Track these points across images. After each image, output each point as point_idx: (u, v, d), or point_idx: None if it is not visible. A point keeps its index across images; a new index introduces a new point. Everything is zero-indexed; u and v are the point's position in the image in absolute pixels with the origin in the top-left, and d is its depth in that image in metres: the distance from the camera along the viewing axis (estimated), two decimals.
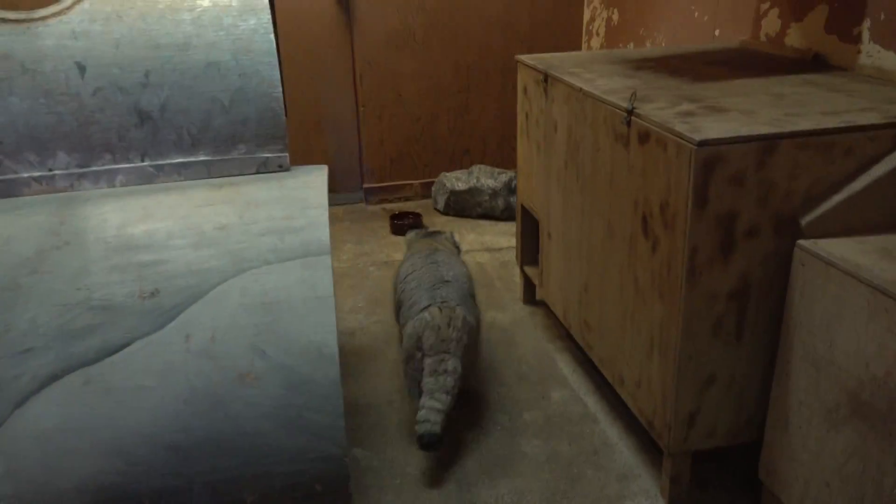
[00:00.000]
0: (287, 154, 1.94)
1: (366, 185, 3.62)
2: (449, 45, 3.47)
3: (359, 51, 3.38)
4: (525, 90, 2.35)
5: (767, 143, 1.45)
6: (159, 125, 1.86)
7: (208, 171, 1.88)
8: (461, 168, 3.66)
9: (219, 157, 1.88)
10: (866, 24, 2.01)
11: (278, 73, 1.92)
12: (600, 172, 1.85)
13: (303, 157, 3.51)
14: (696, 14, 2.77)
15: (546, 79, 2.14)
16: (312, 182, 1.85)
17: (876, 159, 1.52)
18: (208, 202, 1.73)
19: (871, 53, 2.00)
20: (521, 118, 2.43)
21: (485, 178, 3.42)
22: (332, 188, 3.61)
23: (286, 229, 1.65)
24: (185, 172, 1.88)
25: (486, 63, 3.54)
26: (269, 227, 1.64)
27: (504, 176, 3.41)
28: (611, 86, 1.90)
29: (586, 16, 3.60)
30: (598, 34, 3.52)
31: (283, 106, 1.94)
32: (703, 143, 1.42)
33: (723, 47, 2.43)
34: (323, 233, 1.65)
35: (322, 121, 3.47)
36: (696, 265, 1.50)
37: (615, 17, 3.35)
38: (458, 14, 3.42)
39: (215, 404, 1.36)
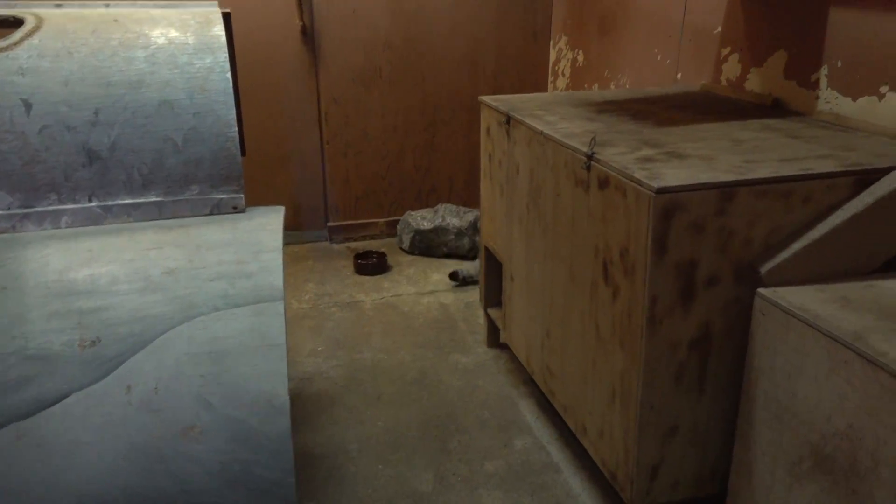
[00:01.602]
0: (242, 195, 1.89)
1: (330, 224, 3.58)
2: (415, 83, 3.47)
3: (324, 88, 3.36)
4: (488, 131, 2.33)
5: (726, 191, 1.44)
6: (108, 165, 1.80)
7: (159, 213, 1.82)
8: (427, 206, 3.64)
9: (170, 198, 1.83)
10: (824, 70, 2.04)
11: (234, 112, 1.88)
12: (562, 217, 1.83)
13: (267, 194, 3.48)
14: (659, 57, 2.79)
15: (508, 121, 2.13)
16: (268, 224, 1.80)
17: (834, 207, 1.51)
18: (157, 245, 1.67)
19: (829, 99, 2.02)
20: (484, 159, 2.41)
21: (450, 217, 3.39)
22: (297, 226, 3.56)
23: (238, 274, 1.59)
24: (135, 214, 1.82)
25: (452, 101, 3.54)
26: (220, 271, 1.59)
27: (470, 215, 3.38)
28: (572, 129, 1.89)
29: (552, 56, 3.62)
30: (563, 74, 3.54)
31: (238, 146, 1.90)
32: (662, 191, 1.40)
33: (684, 90, 2.44)
34: (276, 278, 1.60)
35: (287, 158, 3.43)
36: (657, 314, 1.47)
37: (580, 58, 3.37)
38: (424, 52, 3.42)
39: (157, 460, 1.30)
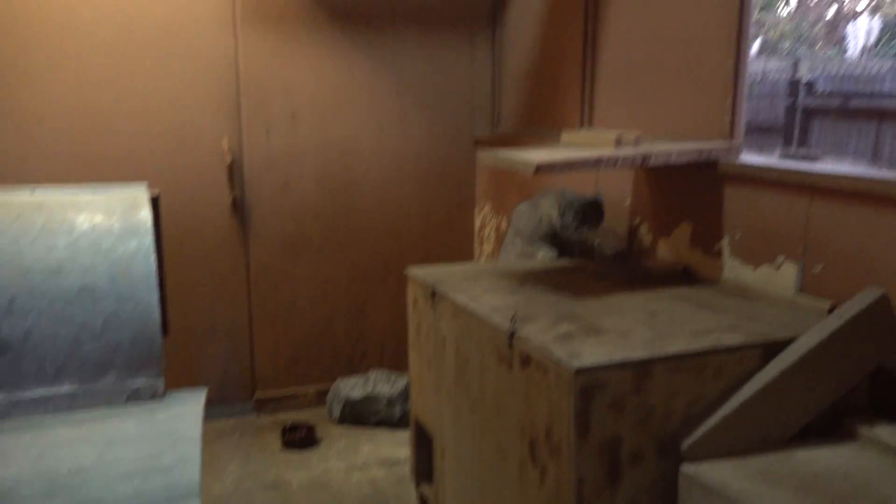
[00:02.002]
0: (162, 379, 1.84)
1: (257, 396, 3.48)
2: (345, 251, 3.53)
3: (254, 256, 3.39)
4: (415, 303, 2.37)
5: (643, 368, 1.48)
6: (20, 355, 1.74)
7: (71, 404, 1.75)
8: (359, 372, 3.60)
9: (85, 388, 1.77)
10: (725, 241, 2.18)
11: (157, 295, 1.87)
12: (488, 393, 1.84)
13: (191, 368, 3.38)
14: None
15: (434, 294, 2.17)
16: (187, 412, 1.74)
17: (745, 379, 1.57)
18: (67, 441, 1.59)
19: (733, 268, 2.15)
20: (412, 330, 2.43)
21: (382, 384, 3.35)
22: (222, 399, 3.45)
23: (152, 469, 1.52)
24: (46, 406, 1.74)
25: (381, 268, 3.60)
26: (133, 468, 1.51)
27: (401, 381, 3.35)
28: (495, 303, 1.94)
29: (477, 222, 3.77)
30: (489, 240, 3.68)
31: (160, 329, 1.87)
32: (581, 371, 1.43)
33: (602, 258, 2.56)
34: (193, 471, 1.53)
35: (214, 329, 3.38)
36: (585, 496, 1.46)
37: (504, 224, 3.52)
38: (353, 221, 3.51)
39: None
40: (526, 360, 1.62)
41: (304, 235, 3.45)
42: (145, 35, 3.06)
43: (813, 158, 2.07)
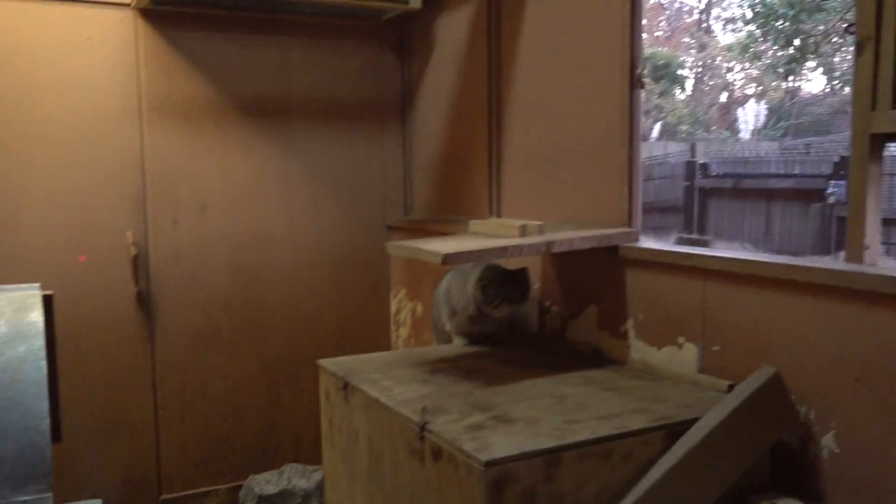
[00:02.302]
0: (51, 494, 1.72)
1: (164, 497, 3.29)
2: (257, 342, 3.45)
3: (160, 351, 3.26)
4: (327, 395, 2.32)
5: (552, 457, 1.49)
6: None
7: None
8: (273, 467, 3.46)
9: None
10: (630, 323, 2.25)
11: (47, 403, 1.77)
12: (402, 487, 1.80)
13: (91, 473, 3.18)
14: None
15: (345, 386, 2.14)
16: None
17: (652, 461, 1.60)
18: None
19: (638, 349, 2.21)
20: (324, 423, 2.37)
21: (297, 478, 3.24)
22: (125, 503, 3.25)
23: None
24: None
25: (295, 357, 3.52)
26: None
27: (318, 474, 3.24)
28: (407, 394, 1.92)
29: (393, 307, 3.77)
30: (405, 324, 3.67)
31: (49, 438, 1.76)
32: (490, 464, 1.43)
33: (521, 337, 2.58)
34: None
35: (116, 429, 3.20)
36: None
37: (419, 308, 3.53)
38: (265, 310, 3.45)
39: None
40: (437, 454, 1.60)
41: (214, 327, 3.35)
42: (44, 127, 3.00)
43: (705, 243, 2.18)
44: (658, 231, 5.46)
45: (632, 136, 2.27)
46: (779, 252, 4.72)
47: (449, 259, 1.91)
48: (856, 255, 1.74)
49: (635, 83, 2.25)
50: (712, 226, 5.02)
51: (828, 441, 1.70)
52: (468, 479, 1.47)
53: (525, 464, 1.46)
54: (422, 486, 1.69)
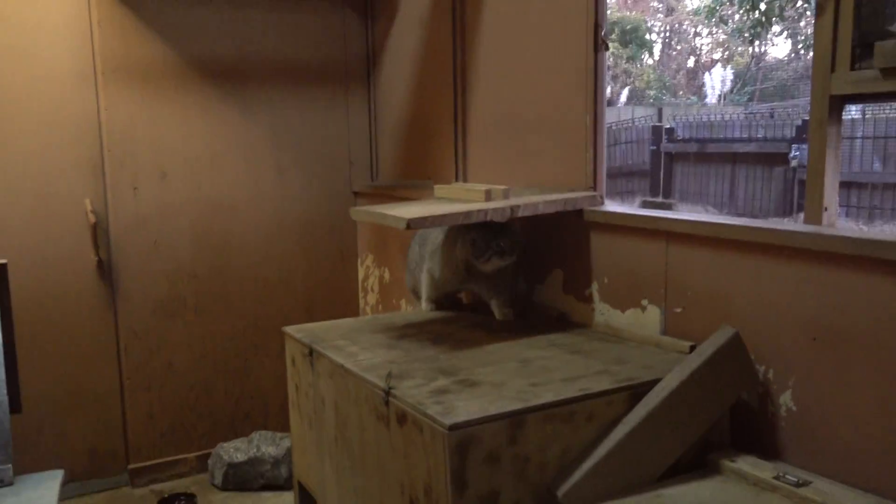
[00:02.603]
0: (10, 466, 1.70)
1: (132, 466, 3.27)
2: (224, 310, 3.42)
3: (123, 321, 3.22)
4: (293, 362, 2.31)
5: (516, 419, 1.50)
6: None
7: None
8: (242, 435, 3.45)
9: None
10: (595, 286, 2.26)
11: (2, 373, 1.74)
12: (368, 452, 1.80)
13: (55, 444, 3.14)
14: None
15: (311, 353, 2.13)
16: (38, 499, 1.61)
17: (615, 422, 1.62)
18: None
19: (603, 311, 2.23)
20: (291, 390, 2.37)
21: (266, 445, 3.24)
22: (93, 473, 3.22)
23: None
24: None
25: (264, 324, 3.50)
26: None
27: (287, 441, 3.25)
28: (373, 360, 1.92)
29: (361, 274, 3.75)
30: (373, 290, 3.66)
31: (7, 409, 1.73)
32: (454, 427, 1.43)
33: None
34: None
35: (80, 399, 3.16)
36: None
37: (387, 275, 3.52)
38: (231, 279, 3.41)
39: None
40: (402, 418, 1.61)
41: (179, 296, 3.31)
42: None
43: (668, 206, 2.19)
44: (626, 195, 5.50)
45: (596, 100, 2.26)
46: (743, 215, 4.79)
47: (413, 224, 1.89)
48: (815, 217, 1.76)
49: (599, 45, 2.24)
50: (678, 189, 5.07)
51: (785, 399, 1.74)
52: (433, 442, 1.48)
53: (489, 426, 1.47)
54: (388, 451, 1.69)
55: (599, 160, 2.31)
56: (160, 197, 3.22)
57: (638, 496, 1.56)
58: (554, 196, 2.20)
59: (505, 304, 2.37)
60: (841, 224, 1.75)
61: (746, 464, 1.66)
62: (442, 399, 1.57)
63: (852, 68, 1.69)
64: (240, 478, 3.21)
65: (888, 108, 4.04)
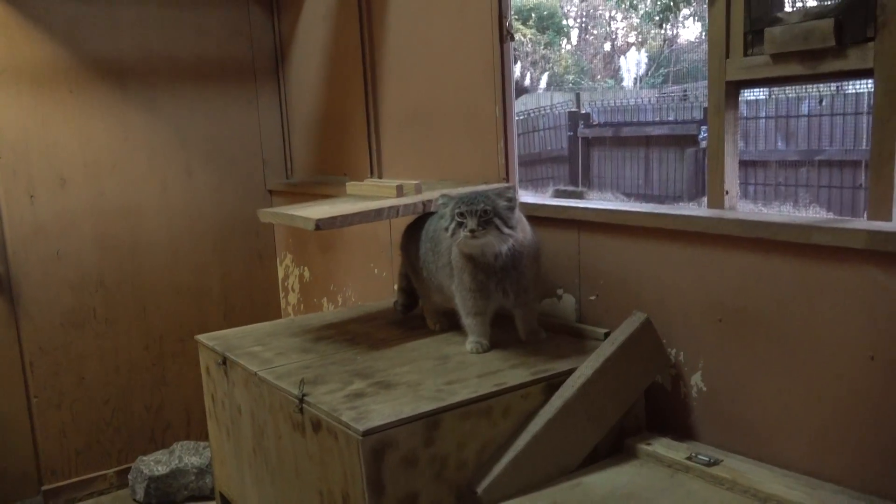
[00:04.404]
0: None
1: (46, 487, 3.12)
2: (137, 319, 3.28)
3: (27, 336, 3.05)
4: (208, 371, 2.24)
5: (431, 420, 1.48)
6: None
7: None
8: (163, 447, 3.34)
9: None
10: None
11: None
12: (286, 461, 1.76)
13: None
14: (376, 270, 2.94)
15: (225, 361, 2.06)
16: None
17: (532, 415, 1.62)
18: None
19: None
20: (207, 400, 2.29)
21: (188, 455, 3.14)
22: (3, 498, 3.06)
23: None
24: None
25: (180, 331, 3.38)
26: None
27: (210, 450, 3.15)
28: (288, 366, 1.87)
29: (281, 273, 3.67)
30: (293, 290, 3.59)
31: None
32: (368, 433, 1.41)
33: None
34: None
35: None
36: None
37: (307, 273, 3.46)
38: (143, 286, 3.28)
39: None
40: (317, 426, 1.57)
41: (87, 306, 3.17)
42: None
43: (580, 195, 2.21)
44: (546, 181, 5.57)
45: (504, 91, 2.26)
46: (658, 197, 4.91)
47: (322, 225, 1.85)
48: (717, 201, 1.80)
49: (505, 36, 2.23)
50: (595, 175, 5.16)
51: (696, 380, 1.79)
52: (348, 449, 1.45)
53: (404, 429, 1.45)
54: (305, 459, 1.65)
55: (511, 151, 2.31)
56: (60, 204, 3.06)
57: (557, 486, 1.57)
58: (465, 189, 2.18)
59: (529, 319, 1.92)
60: (742, 206, 1.80)
61: (661, 446, 1.70)
62: (356, 404, 1.54)
63: (745, 54, 1.73)
64: (162, 491, 3.10)
65: (788, 87, 4.22)
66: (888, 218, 1.49)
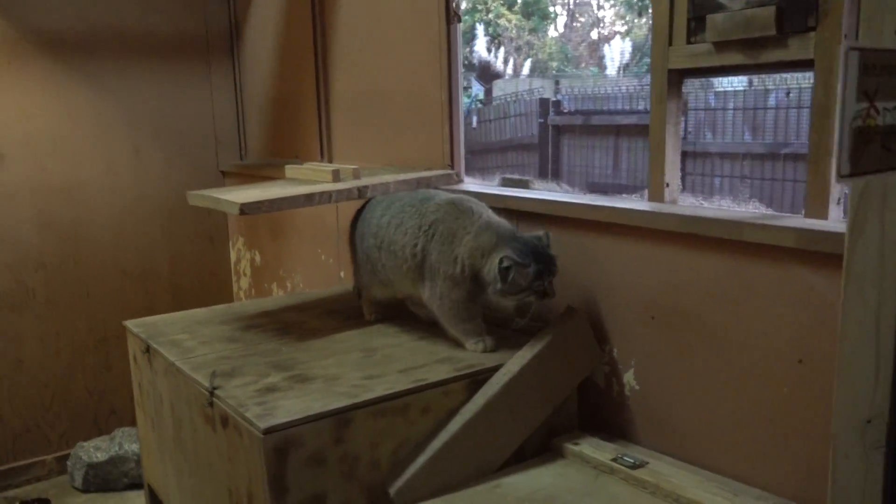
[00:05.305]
0: None
1: None
2: (79, 302, 3.19)
3: None
4: (135, 358, 2.16)
5: (341, 418, 1.41)
6: None
7: None
8: (107, 432, 3.25)
9: None
10: None
11: None
12: (201, 455, 1.69)
13: None
14: (323, 257, 2.86)
15: (148, 349, 1.98)
16: None
17: (453, 413, 1.56)
18: None
19: None
20: (135, 388, 2.21)
21: (129, 442, 3.05)
22: None
23: None
24: None
25: (126, 315, 3.23)
26: None
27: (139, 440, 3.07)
28: (208, 356, 1.79)
29: (233, 257, 3.58)
30: (245, 274, 3.50)
31: None
32: (269, 431, 1.34)
33: (343, 290, 2.49)
34: None
35: None
36: None
37: (258, 258, 3.37)
38: (86, 268, 3.18)
39: None
40: (225, 421, 1.50)
41: (26, 288, 3.07)
42: None
43: (525, 184, 2.14)
44: (514, 169, 5.50)
45: (450, 74, 2.18)
46: (626, 188, 4.85)
47: (246, 209, 1.77)
48: (657, 194, 1.73)
49: (452, 17, 2.15)
50: (565, 163, 5.10)
51: (629, 378, 1.73)
52: (251, 447, 1.38)
53: (310, 427, 1.38)
54: (216, 455, 1.58)
55: (456, 137, 2.23)
56: None
57: (475, 488, 1.51)
58: (407, 175, 2.11)
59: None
60: (682, 199, 1.73)
61: (589, 446, 1.64)
62: (266, 399, 1.47)
63: (688, 42, 1.66)
64: (101, 478, 3.02)
65: (756, 80, 4.18)
66: (824, 215, 1.43)
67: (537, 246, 1.67)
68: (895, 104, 0.61)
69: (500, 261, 1.63)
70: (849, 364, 0.73)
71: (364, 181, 2.03)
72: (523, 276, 1.63)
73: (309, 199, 1.88)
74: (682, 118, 1.75)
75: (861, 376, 0.71)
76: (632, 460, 1.55)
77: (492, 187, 2.17)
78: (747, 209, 1.62)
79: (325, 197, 1.91)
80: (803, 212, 1.49)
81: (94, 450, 3.05)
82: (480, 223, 1.73)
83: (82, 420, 3.25)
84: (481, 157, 5.88)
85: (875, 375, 0.70)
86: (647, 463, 1.54)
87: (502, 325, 1.86)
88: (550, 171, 5.17)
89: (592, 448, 1.63)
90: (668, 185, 1.73)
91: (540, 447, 1.68)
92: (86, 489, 3.03)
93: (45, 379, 3.15)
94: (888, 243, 0.67)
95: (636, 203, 1.73)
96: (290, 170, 2.25)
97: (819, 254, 1.33)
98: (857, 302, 0.71)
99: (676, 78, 1.71)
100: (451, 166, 2.22)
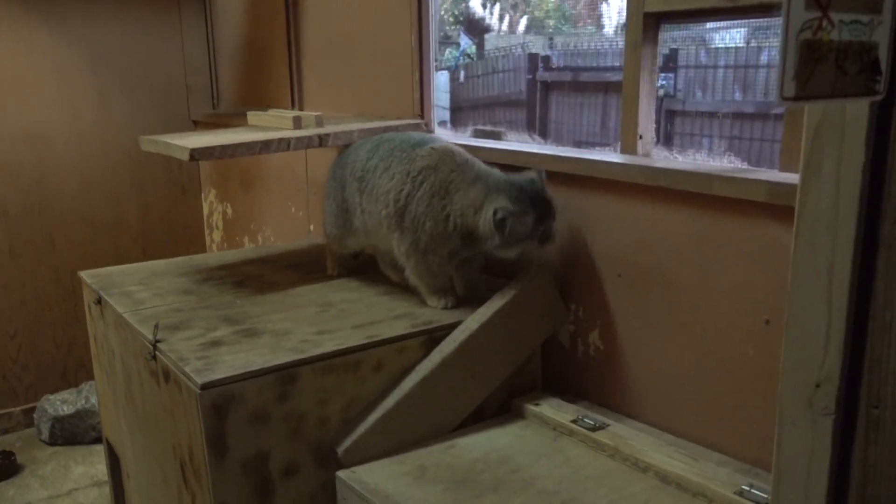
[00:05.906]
0: None
1: None
2: (46, 252, 3.10)
3: None
4: (90, 310, 2.08)
5: (286, 374, 1.35)
6: None
7: None
8: (76, 385, 3.20)
9: None
10: None
11: None
12: (148, 410, 1.63)
13: None
14: (293, 209, 2.78)
15: (99, 300, 1.90)
16: None
17: (408, 370, 1.49)
18: None
19: None
20: (91, 341, 2.14)
21: (96, 396, 3.00)
22: None
23: None
24: None
25: (94, 266, 3.17)
26: None
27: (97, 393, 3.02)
28: (158, 308, 1.72)
29: (205, 209, 3.49)
30: (217, 227, 3.42)
31: None
32: (207, 386, 1.27)
33: (310, 244, 2.41)
34: None
35: None
36: None
37: (230, 210, 3.28)
38: (51, 218, 3.09)
39: None
40: (167, 376, 1.43)
41: None
42: None
43: (497, 135, 2.05)
44: (503, 124, 5.38)
45: (420, 19, 2.07)
46: (614, 146, 4.74)
47: (196, 155, 1.68)
48: (630, 146, 1.65)
49: None
50: (553, 120, 4.98)
51: (594, 338, 1.67)
52: (189, 403, 1.31)
53: (252, 383, 1.31)
54: (161, 410, 1.52)
55: (426, 85, 2.13)
56: None
57: (427, 448, 1.45)
58: (371, 124, 2.02)
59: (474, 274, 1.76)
60: (657, 153, 1.65)
61: (550, 407, 1.58)
62: (209, 353, 1.40)
63: None
64: (69, 431, 2.98)
65: (752, 38, 4.06)
66: (798, 170, 1.35)
67: (531, 190, 1.56)
68: (854, 18, 0.53)
69: (494, 212, 1.52)
70: (798, 321, 0.66)
71: (326, 129, 1.94)
72: (522, 224, 1.52)
73: (266, 145, 1.79)
74: (658, 69, 1.65)
75: (811, 334, 0.64)
76: (592, 422, 1.49)
77: (463, 138, 2.08)
78: (721, 163, 1.54)
79: (284, 144, 1.82)
80: (778, 166, 1.41)
81: (61, 403, 3.00)
82: (470, 176, 1.61)
83: (50, 373, 3.19)
84: (469, 112, 5.75)
85: (826, 333, 0.63)
86: (608, 425, 1.49)
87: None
88: (539, 128, 5.05)
89: (553, 409, 1.57)
90: (641, 136, 1.65)
91: (500, 408, 1.62)
92: (52, 442, 2.99)
93: (10, 330, 3.08)
94: (845, 185, 0.60)
95: (607, 155, 1.64)
96: (253, 116, 2.15)
97: (791, 209, 1.25)
98: (808, 251, 0.64)
99: (653, 22, 1.61)
100: (421, 116, 2.12)
